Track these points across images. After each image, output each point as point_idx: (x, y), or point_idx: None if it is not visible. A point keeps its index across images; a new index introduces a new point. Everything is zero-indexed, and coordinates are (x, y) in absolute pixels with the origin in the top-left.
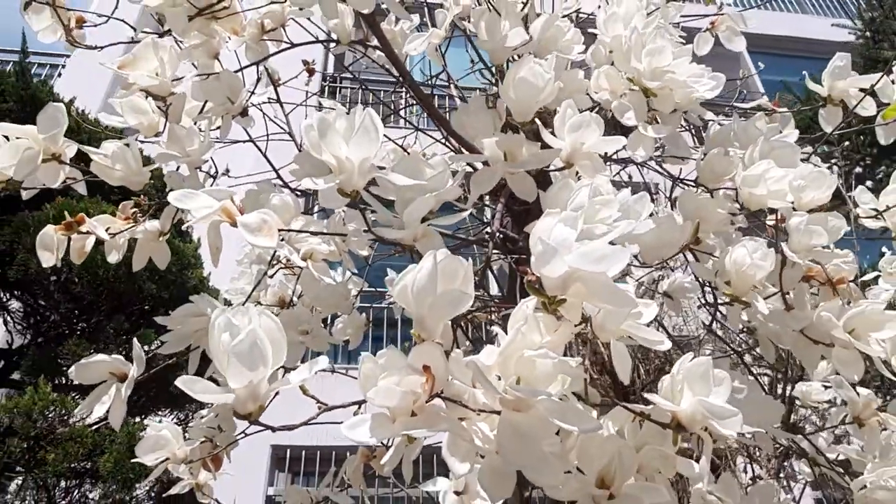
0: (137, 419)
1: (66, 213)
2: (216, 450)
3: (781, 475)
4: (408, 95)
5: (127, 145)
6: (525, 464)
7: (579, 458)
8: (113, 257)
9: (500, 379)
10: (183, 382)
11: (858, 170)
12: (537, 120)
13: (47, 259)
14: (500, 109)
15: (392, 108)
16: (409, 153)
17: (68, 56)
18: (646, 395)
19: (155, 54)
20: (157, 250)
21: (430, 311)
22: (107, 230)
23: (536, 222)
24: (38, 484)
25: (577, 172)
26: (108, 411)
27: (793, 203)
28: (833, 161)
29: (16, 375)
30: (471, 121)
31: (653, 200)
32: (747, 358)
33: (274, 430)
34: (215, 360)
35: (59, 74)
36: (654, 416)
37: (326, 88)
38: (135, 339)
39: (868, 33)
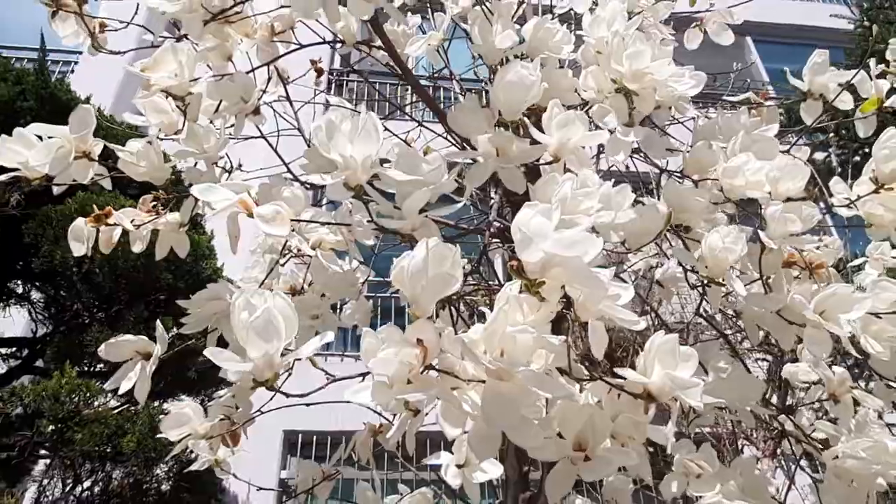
0: (157, 403)
1: (89, 206)
2: (234, 426)
3: (778, 452)
4: (411, 91)
5: (150, 143)
6: (507, 426)
7: (560, 424)
8: (137, 247)
9: (485, 353)
10: (210, 353)
11: (857, 158)
12: (525, 118)
13: (78, 249)
14: (493, 108)
15: (396, 103)
16: (412, 147)
17: (80, 53)
18: (617, 370)
19: (174, 57)
20: (178, 240)
21: (423, 291)
22: (131, 222)
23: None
24: (64, 464)
25: (565, 165)
26: (133, 387)
27: (770, 193)
28: (829, 150)
29: (39, 363)
30: (465, 119)
31: (646, 191)
32: (746, 344)
33: (287, 395)
34: (236, 335)
35: (72, 71)
36: (627, 388)
37: (333, 84)
38: (158, 322)
39: (866, 22)
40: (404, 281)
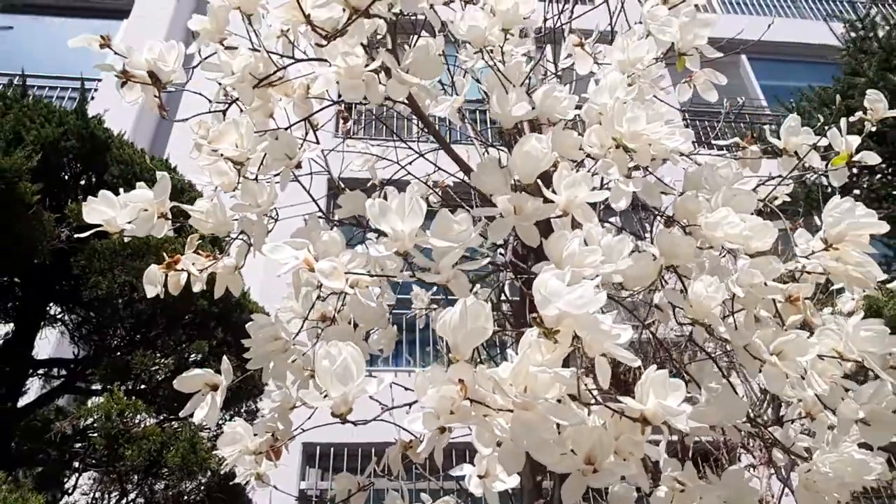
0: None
1: (132, 241)
2: (277, 443)
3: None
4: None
5: (213, 201)
6: (530, 447)
7: (573, 444)
8: (197, 287)
9: (512, 386)
10: (304, 395)
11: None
12: (539, 181)
13: (151, 291)
14: (511, 172)
15: (417, 151)
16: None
17: (99, 80)
18: (619, 398)
19: (236, 130)
20: (233, 281)
21: (463, 340)
22: (193, 265)
23: (542, 263)
24: (111, 478)
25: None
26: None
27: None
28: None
29: (80, 384)
30: (487, 178)
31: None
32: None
33: (345, 422)
34: (319, 380)
35: (93, 97)
36: (627, 413)
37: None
38: (224, 358)
39: (851, 49)
40: (447, 332)
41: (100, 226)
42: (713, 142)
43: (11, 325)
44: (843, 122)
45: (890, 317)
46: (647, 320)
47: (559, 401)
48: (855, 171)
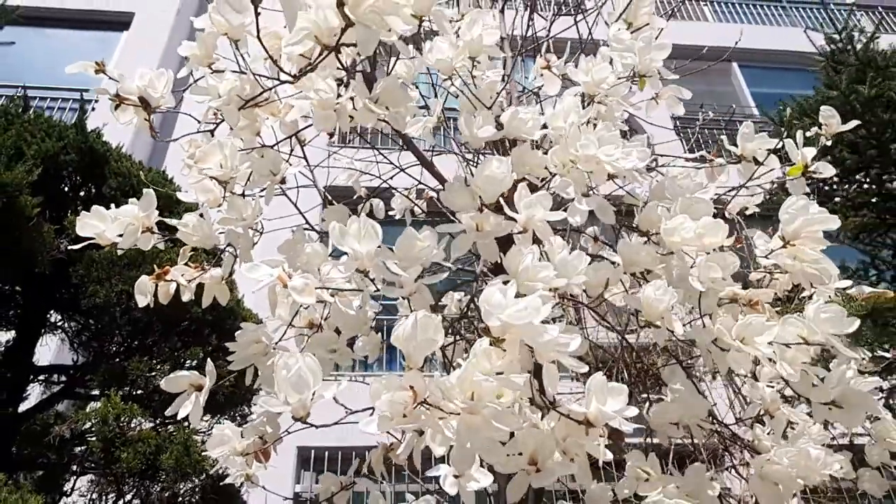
0: (189, 425)
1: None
2: (265, 445)
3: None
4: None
5: (201, 216)
6: (477, 448)
7: (519, 446)
8: (186, 296)
9: (459, 393)
10: (263, 402)
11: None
12: (502, 200)
13: (142, 301)
14: (475, 193)
15: (398, 165)
16: (414, 201)
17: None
18: (566, 405)
19: (220, 151)
20: (220, 291)
21: (414, 350)
22: (182, 276)
23: (499, 277)
24: (108, 480)
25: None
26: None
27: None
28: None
29: (78, 389)
30: (454, 197)
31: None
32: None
33: (316, 427)
34: (278, 387)
35: (93, 108)
36: (572, 416)
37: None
38: (208, 360)
39: (830, 62)
40: (401, 341)
41: (93, 238)
42: (680, 156)
43: (13, 332)
44: (798, 134)
45: None
46: (626, 326)
47: (514, 405)
48: (836, 178)
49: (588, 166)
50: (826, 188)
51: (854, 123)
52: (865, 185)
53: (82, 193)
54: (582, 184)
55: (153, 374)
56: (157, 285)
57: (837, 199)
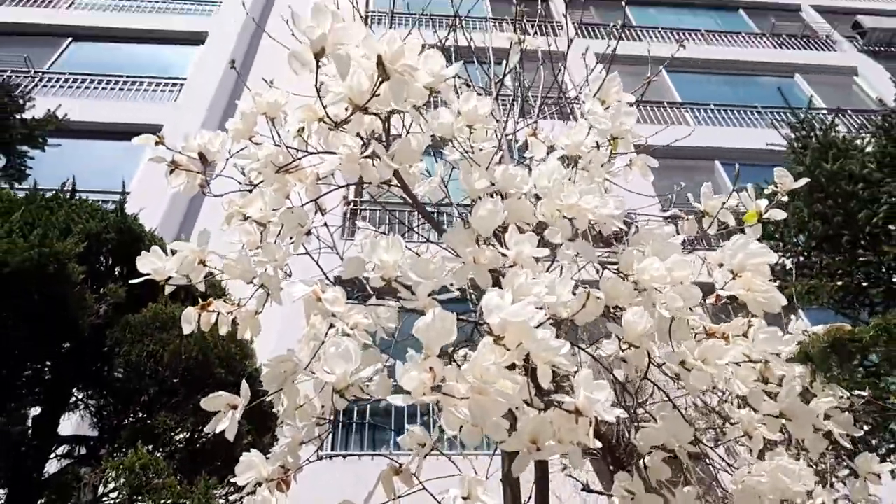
0: (210, 479)
1: (160, 314)
2: (287, 473)
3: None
4: (418, 216)
5: (244, 254)
6: (485, 426)
7: (521, 428)
8: (223, 330)
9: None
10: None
11: (801, 258)
12: (494, 235)
13: (187, 328)
14: (473, 231)
15: (407, 224)
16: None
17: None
18: (557, 397)
19: (261, 199)
20: (253, 324)
21: (433, 340)
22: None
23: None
24: None
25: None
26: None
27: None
28: (780, 254)
29: (103, 451)
30: (455, 238)
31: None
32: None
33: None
34: (327, 364)
35: (126, 202)
36: (564, 407)
37: (349, 211)
38: (244, 381)
39: (795, 147)
40: (421, 331)
41: (149, 275)
42: (656, 215)
43: (38, 408)
44: (749, 187)
45: (815, 354)
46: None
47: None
48: (812, 248)
49: (571, 213)
50: (802, 258)
51: (804, 181)
52: (839, 256)
53: (119, 268)
54: (567, 231)
55: (178, 428)
56: (200, 315)
57: (814, 268)
